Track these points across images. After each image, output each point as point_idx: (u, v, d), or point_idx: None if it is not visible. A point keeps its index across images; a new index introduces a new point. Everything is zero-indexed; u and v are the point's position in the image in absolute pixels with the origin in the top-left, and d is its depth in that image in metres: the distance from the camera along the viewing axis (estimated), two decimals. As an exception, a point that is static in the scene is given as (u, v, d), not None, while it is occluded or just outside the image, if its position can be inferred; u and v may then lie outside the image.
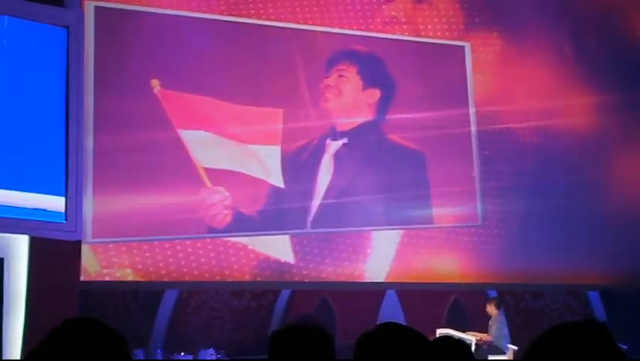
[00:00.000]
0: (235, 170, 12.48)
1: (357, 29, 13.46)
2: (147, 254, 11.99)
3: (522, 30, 14.35)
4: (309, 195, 12.86)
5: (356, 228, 13.04)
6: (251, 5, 12.95)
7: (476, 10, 14.12)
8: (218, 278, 12.32)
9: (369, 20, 13.56)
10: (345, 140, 13.13)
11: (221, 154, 12.46)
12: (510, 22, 14.31)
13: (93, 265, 11.75)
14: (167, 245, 12.12)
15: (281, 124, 12.82)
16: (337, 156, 13.06)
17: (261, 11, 13.00)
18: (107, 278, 11.79)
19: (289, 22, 13.13)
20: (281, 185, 12.69)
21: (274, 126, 12.80)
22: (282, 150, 12.75)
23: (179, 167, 12.19)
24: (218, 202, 12.36)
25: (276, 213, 12.66)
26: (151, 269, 12.03)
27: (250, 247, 12.49)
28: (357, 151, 13.18)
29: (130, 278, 11.91)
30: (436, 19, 13.90)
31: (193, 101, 12.48)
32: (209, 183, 12.31)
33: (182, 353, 12.02)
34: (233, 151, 12.52)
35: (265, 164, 12.67)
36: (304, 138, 12.98)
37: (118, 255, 11.85)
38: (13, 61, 10.02)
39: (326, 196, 12.90)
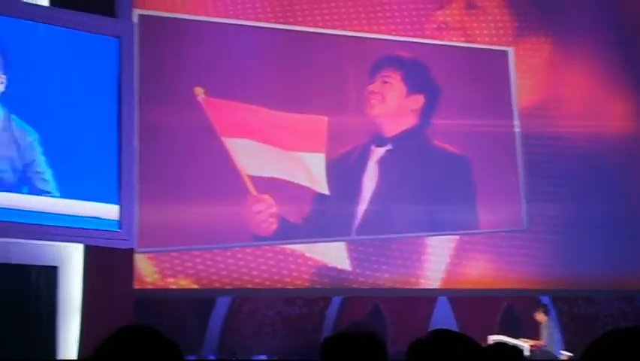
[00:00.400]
0: (280, 177, 12.51)
1: (405, 35, 13.44)
2: (209, 262, 12.08)
3: (570, 35, 14.22)
4: (354, 201, 12.85)
5: (401, 234, 13.01)
6: (298, 13, 12.99)
7: (525, 16, 14.04)
8: (279, 285, 12.41)
9: (417, 27, 13.54)
10: (389, 146, 13.10)
11: (265, 162, 12.49)
12: (558, 28, 14.19)
13: (151, 274, 11.88)
14: (229, 253, 12.22)
15: (325, 131, 12.83)
16: (382, 162, 13.04)
17: (309, 18, 13.04)
18: (171, 286, 11.92)
19: (334, 29, 13.14)
20: (326, 192, 12.69)
21: (319, 133, 12.81)
22: (326, 156, 12.76)
23: (224, 175, 12.25)
24: (264, 210, 12.39)
25: (322, 220, 12.67)
26: (214, 277, 12.15)
27: (308, 254, 12.54)
28: (402, 157, 13.16)
29: (187, 286, 12.02)
30: (483, 25, 13.84)
31: (237, 109, 12.53)
32: (254, 191, 12.36)
33: (234, 358, 12.06)
34: (277, 158, 12.54)
35: (310, 171, 12.68)
36: (349, 145, 12.98)
37: (176, 264, 11.96)
38: (66, 71, 10.14)
39: (371, 203, 12.88)
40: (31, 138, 9.78)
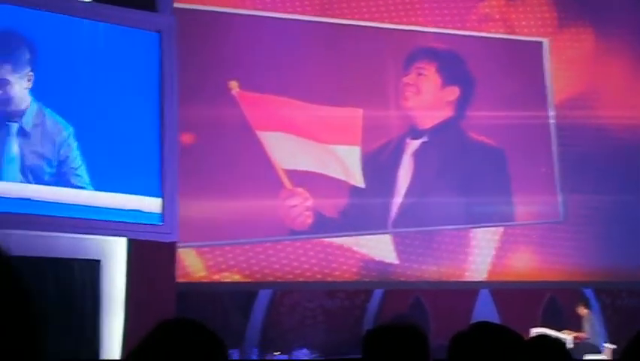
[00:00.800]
0: (315, 171, 12.52)
1: (443, 27, 13.38)
2: (252, 256, 12.15)
3: (610, 26, 14.09)
4: (389, 194, 12.84)
5: (437, 227, 12.98)
6: (335, 5, 12.98)
7: (564, 6, 13.93)
8: (329, 279, 12.46)
9: (457, 18, 13.48)
10: (425, 138, 13.08)
11: (300, 155, 12.51)
12: (598, 18, 14.06)
13: (199, 269, 11.97)
14: (280, 247, 12.30)
15: (360, 123, 12.83)
16: (417, 155, 13.01)
17: (346, 11, 13.02)
18: (220, 280, 12.00)
19: (370, 21, 13.11)
20: (361, 185, 12.70)
21: (354, 126, 12.81)
22: (361, 149, 12.76)
23: (259, 169, 12.28)
24: (299, 204, 12.42)
25: (357, 213, 12.67)
26: (266, 271, 12.21)
27: (355, 248, 12.57)
28: (437, 149, 13.13)
29: (232, 280, 12.11)
30: (522, 16, 13.76)
31: (272, 102, 12.55)
32: (289, 185, 12.38)
33: (277, 353, 12.09)
34: (312, 152, 12.56)
35: (345, 164, 12.68)
36: (384, 137, 12.97)
37: (227, 258, 12.06)
38: (108, 66, 10.21)
39: (407, 195, 12.87)
40: (66, 133, 9.85)
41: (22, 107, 9.67)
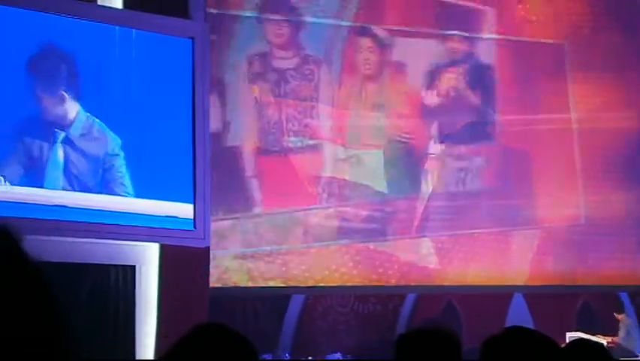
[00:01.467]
0: (339, 176, 12.53)
1: (469, 31, 13.34)
2: (292, 263, 12.23)
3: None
4: (414, 199, 12.82)
5: (464, 231, 12.94)
6: (362, 11, 12.97)
7: (594, 7, 13.83)
8: (368, 283, 12.52)
9: (494, 21, 13.43)
10: (448, 141, 13.05)
11: (324, 160, 12.51)
12: (628, 21, 13.95)
13: (235, 274, 12.04)
14: (311, 252, 12.33)
15: (383, 127, 12.81)
16: (441, 158, 12.99)
17: (377, 17, 13.02)
18: (254, 285, 12.07)
19: (397, 25, 13.11)
20: (385, 190, 12.68)
21: (377, 130, 12.79)
22: (384, 153, 12.74)
23: (284, 175, 12.29)
24: (324, 210, 12.43)
25: (381, 218, 12.66)
26: (300, 276, 12.28)
27: (397, 253, 12.60)
28: (461, 153, 13.09)
29: (269, 285, 12.17)
30: (544, 18, 13.67)
31: (294, 107, 12.55)
32: (313, 191, 12.39)
33: (310, 357, 12.10)
34: (335, 156, 12.56)
35: (368, 168, 12.67)
36: (408, 141, 12.93)
37: (257, 264, 12.11)
38: (141, 73, 10.26)
39: (432, 199, 12.84)
40: (113, 143, 9.96)
41: (69, 117, 9.78)
